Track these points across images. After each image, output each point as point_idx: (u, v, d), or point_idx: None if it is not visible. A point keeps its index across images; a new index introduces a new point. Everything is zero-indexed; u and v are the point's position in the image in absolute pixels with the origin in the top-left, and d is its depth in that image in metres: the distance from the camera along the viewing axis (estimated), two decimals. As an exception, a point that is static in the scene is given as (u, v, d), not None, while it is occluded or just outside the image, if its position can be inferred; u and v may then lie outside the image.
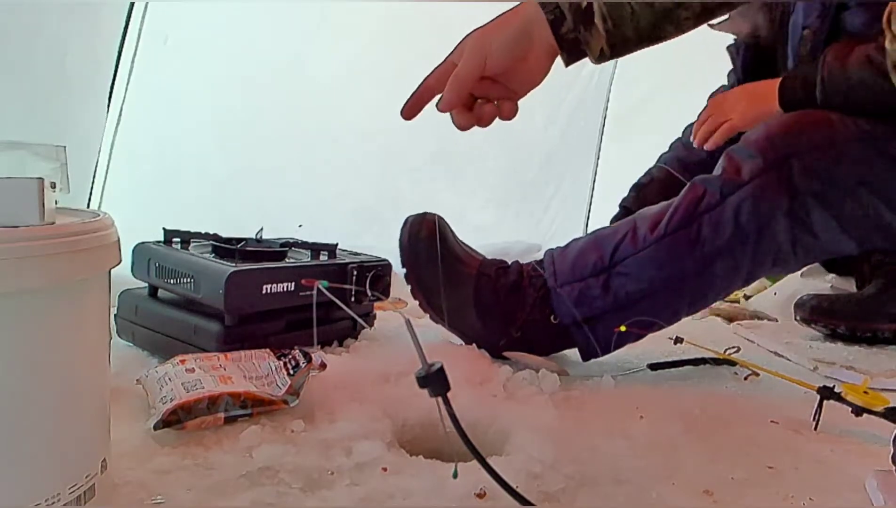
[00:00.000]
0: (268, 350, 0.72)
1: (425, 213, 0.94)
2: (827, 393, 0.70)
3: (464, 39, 0.70)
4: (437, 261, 0.91)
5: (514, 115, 0.70)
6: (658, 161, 1.36)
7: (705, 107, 1.18)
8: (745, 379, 0.90)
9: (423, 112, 0.73)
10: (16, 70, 1.11)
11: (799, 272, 1.42)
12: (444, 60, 0.71)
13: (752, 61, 1.25)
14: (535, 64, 0.69)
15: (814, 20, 1.05)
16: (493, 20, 0.70)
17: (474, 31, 0.70)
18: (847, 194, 0.86)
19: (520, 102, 0.72)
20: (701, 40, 2.14)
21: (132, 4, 1.34)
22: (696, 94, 2.00)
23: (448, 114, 0.71)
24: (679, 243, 0.85)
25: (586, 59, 0.69)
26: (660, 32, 0.66)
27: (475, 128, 0.72)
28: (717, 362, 0.94)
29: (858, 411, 0.67)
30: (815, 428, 0.70)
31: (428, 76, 0.71)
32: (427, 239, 0.91)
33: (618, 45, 0.66)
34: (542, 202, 2.18)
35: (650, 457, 0.62)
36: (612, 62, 2.15)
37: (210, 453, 0.57)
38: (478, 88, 0.69)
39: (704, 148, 1.13)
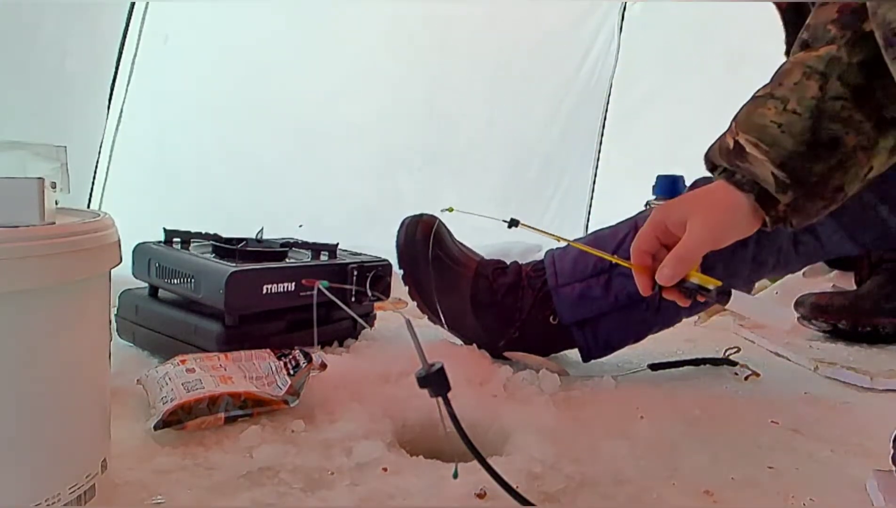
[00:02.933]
0: (268, 350, 0.72)
1: (422, 215, 0.94)
2: None
3: (664, 214, 0.66)
4: (434, 263, 0.91)
5: None
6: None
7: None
8: (746, 379, 0.90)
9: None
10: (16, 70, 1.11)
11: (801, 272, 1.42)
12: (647, 229, 0.66)
13: (792, 22, 1.24)
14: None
15: None
16: (686, 199, 0.66)
17: (678, 208, 0.65)
18: None
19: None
20: (701, 41, 2.14)
21: (132, 4, 1.34)
22: (697, 95, 2.01)
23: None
24: None
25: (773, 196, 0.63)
26: (824, 132, 0.60)
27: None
28: (717, 362, 0.94)
29: (693, 291, 0.63)
30: (658, 310, 0.66)
31: (637, 247, 0.66)
32: (423, 240, 0.91)
33: (788, 162, 0.60)
34: (542, 202, 2.18)
35: (650, 457, 0.62)
36: (613, 66, 2.17)
37: (210, 453, 0.57)
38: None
39: None
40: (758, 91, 0.65)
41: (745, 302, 0.64)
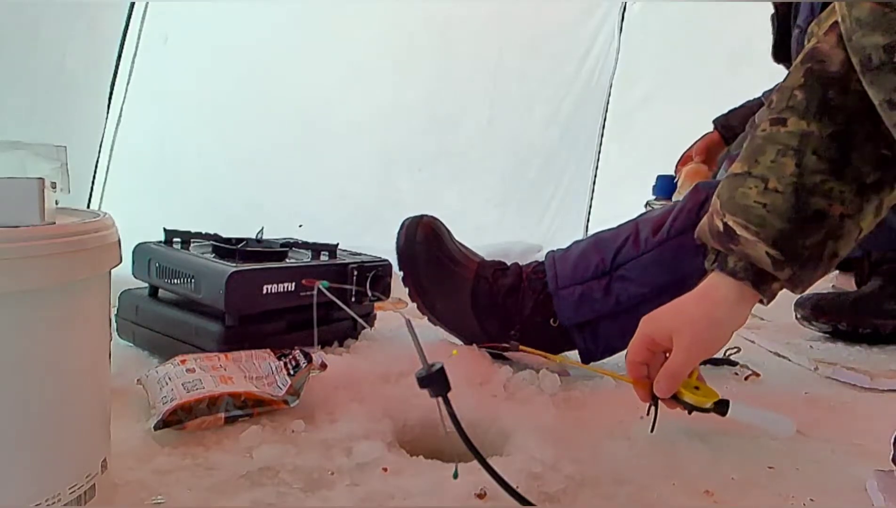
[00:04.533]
0: (268, 350, 0.72)
1: (422, 216, 0.94)
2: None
3: (650, 327, 0.66)
4: (434, 264, 0.90)
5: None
6: (763, 94, 1.34)
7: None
8: (746, 379, 0.90)
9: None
10: (17, 70, 1.11)
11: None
12: (637, 341, 0.67)
13: (780, 34, 1.24)
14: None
15: (802, 20, 1.05)
16: (671, 311, 0.66)
17: (662, 322, 0.66)
18: None
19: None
20: (701, 41, 2.14)
21: (132, 5, 1.34)
22: (696, 95, 2.01)
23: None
24: (681, 247, 0.85)
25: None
26: (809, 207, 0.60)
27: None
28: (717, 362, 0.94)
29: (689, 409, 0.65)
30: (652, 430, 0.66)
31: (630, 360, 0.67)
32: (424, 242, 0.91)
33: (779, 240, 0.61)
34: (542, 202, 2.19)
35: (651, 457, 0.62)
36: (613, 66, 2.17)
37: (210, 453, 0.57)
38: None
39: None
40: (734, 168, 0.65)
41: (745, 412, 0.66)
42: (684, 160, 1.44)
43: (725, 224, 0.64)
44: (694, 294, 0.66)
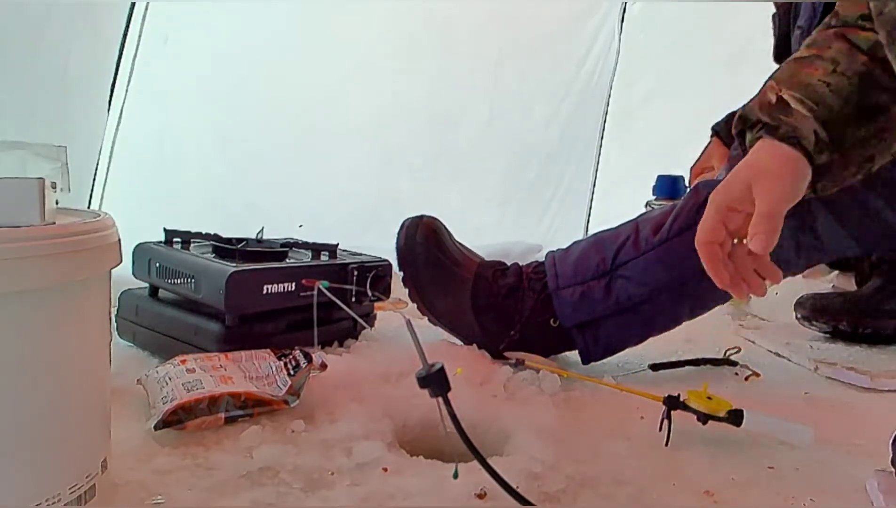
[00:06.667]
0: (268, 350, 0.72)
1: (422, 216, 0.94)
2: (673, 403, 0.66)
3: (724, 194, 0.65)
4: (434, 264, 0.91)
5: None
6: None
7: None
8: (746, 379, 0.90)
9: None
10: (17, 70, 1.11)
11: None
12: (709, 218, 0.66)
13: (781, 34, 1.24)
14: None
15: (804, 20, 1.06)
16: (736, 172, 0.64)
17: (736, 182, 0.64)
18: (851, 196, 0.85)
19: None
20: (701, 40, 2.14)
21: (133, 5, 1.34)
22: (696, 95, 2.01)
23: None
24: (681, 247, 0.85)
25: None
26: (871, 99, 0.60)
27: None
28: (717, 362, 0.94)
29: (703, 418, 0.65)
30: (666, 444, 0.65)
31: (704, 241, 0.66)
32: (423, 242, 0.91)
33: (831, 121, 0.60)
34: (542, 202, 2.19)
35: (651, 458, 0.62)
36: (613, 66, 2.17)
37: (210, 453, 0.57)
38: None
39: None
40: (798, 53, 0.65)
41: (761, 421, 0.66)
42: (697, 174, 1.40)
43: (780, 97, 0.63)
44: (750, 156, 0.65)
